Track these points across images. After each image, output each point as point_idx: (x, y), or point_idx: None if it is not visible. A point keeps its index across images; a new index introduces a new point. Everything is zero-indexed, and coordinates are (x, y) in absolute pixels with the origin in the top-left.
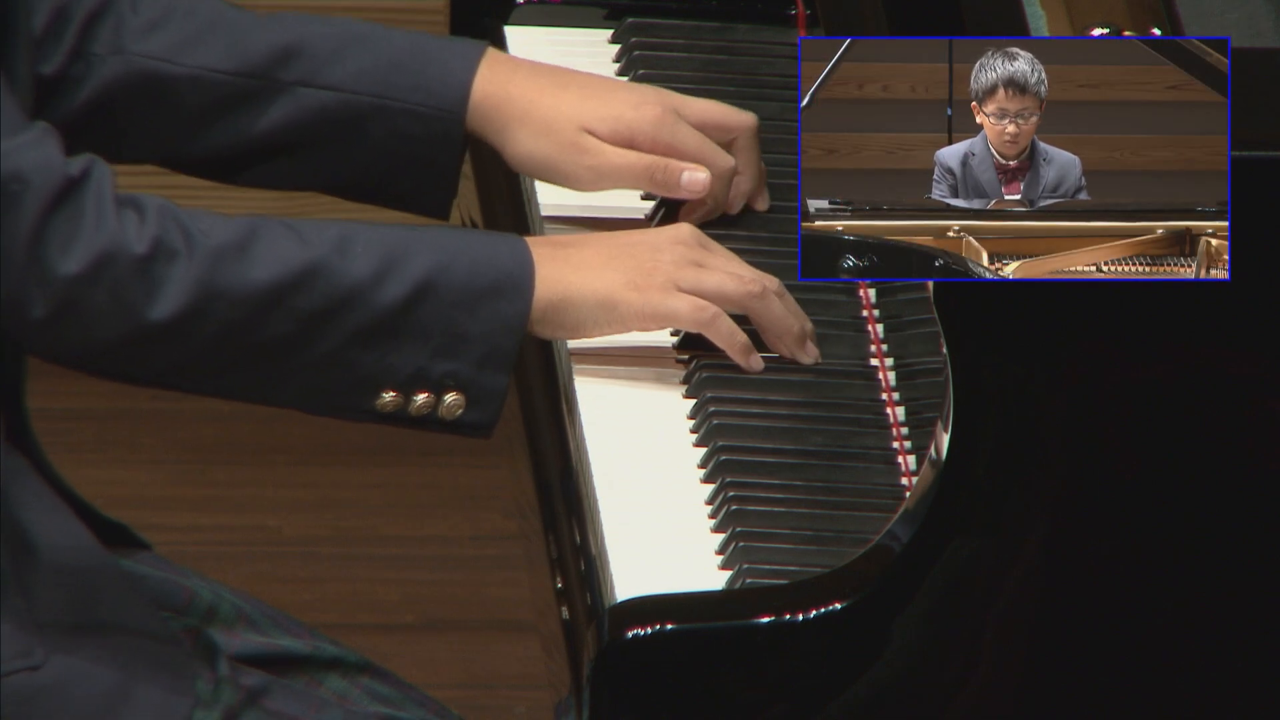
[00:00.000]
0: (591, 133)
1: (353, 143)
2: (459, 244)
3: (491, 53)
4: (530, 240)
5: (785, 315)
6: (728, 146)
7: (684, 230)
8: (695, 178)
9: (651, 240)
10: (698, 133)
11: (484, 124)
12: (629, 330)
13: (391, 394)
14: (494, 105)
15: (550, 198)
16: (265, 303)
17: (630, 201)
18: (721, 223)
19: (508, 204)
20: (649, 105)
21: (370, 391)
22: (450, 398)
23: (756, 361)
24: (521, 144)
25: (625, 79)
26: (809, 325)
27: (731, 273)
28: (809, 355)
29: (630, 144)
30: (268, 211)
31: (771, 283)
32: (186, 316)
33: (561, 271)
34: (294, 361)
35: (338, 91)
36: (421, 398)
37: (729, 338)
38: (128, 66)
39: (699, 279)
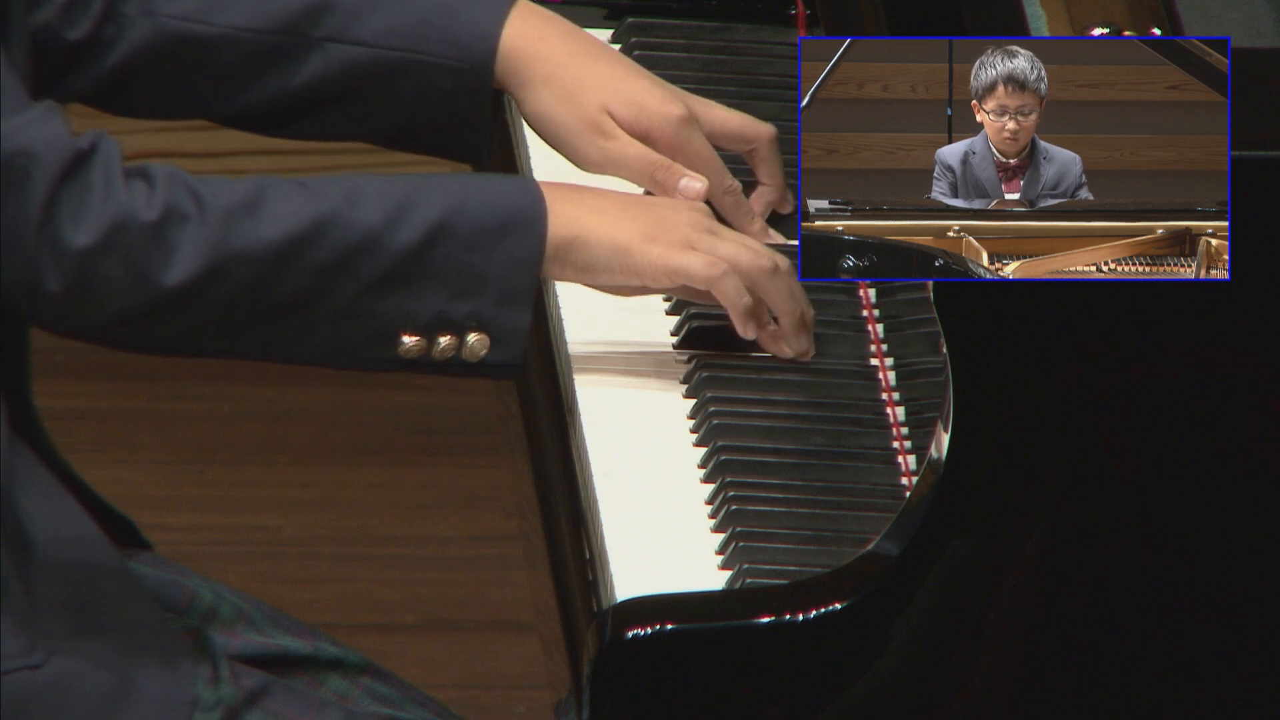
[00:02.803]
0: (612, 114)
1: (385, 97)
2: (470, 187)
3: (522, 4)
4: (544, 182)
5: (793, 295)
6: (747, 156)
7: (699, 205)
8: (692, 186)
9: (669, 201)
10: (710, 148)
11: (508, 76)
12: (640, 280)
13: (414, 339)
14: (521, 59)
15: None
16: (279, 258)
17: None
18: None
19: None
20: (673, 104)
21: (391, 339)
22: (473, 338)
23: (752, 330)
24: (541, 103)
25: None
26: (811, 313)
27: (745, 244)
28: (805, 345)
29: (646, 137)
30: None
31: (784, 262)
32: (202, 279)
33: (577, 211)
34: (313, 315)
35: (368, 47)
36: (445, 340)
37: (735, 297)
38: (158, 28)
39: (714, 244)
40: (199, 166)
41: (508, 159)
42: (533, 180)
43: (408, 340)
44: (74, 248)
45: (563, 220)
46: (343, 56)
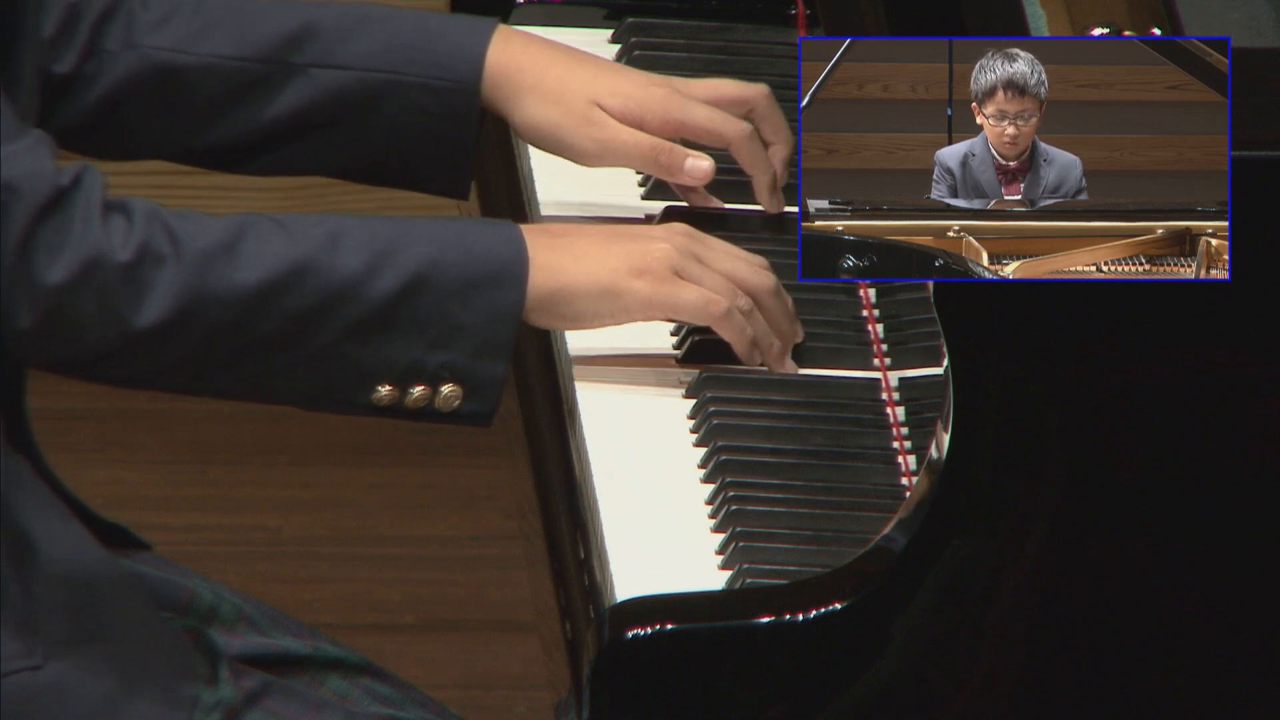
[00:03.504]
0: (602, 107)
1: (368, 122)
2: (451, 234)
3: (503, 27)
4: (524, 228)
5: (782, 318)
6: (750, 118)
7: (680, 225)
8: (698, 165)
9: (649, 231)
10: (707, 109)
11: (495, 93)
12: (633, 320)
13: (387, 388)
14: (506, 75)
15: (549, 195)
16: (255, 303)
17: (631, 201)
18: (721, 221)
19: (506, 201)
20: (657, 85)
21: (366, 386)
22: (447, 389)
23: (758, 359)
24: (530, 110)
25: None
26: (800, 335)
27: (732, 270)
28: (786, 368)
29: (640, 122)
30: (267, 209)
31: (770, 280)
32: (174, 320)
33: (560, 260)
34: (287, 359)
35: (351, 70)
36: (418, 390)
37: (739, 333)
38: (141, 60)
39: (701, 271)
40: (183, 182)
41: (512, 187)
42: (515, 228)
43: (382, 389)
44: (48, 284)
45: (544, 272)
46: (327, 81)
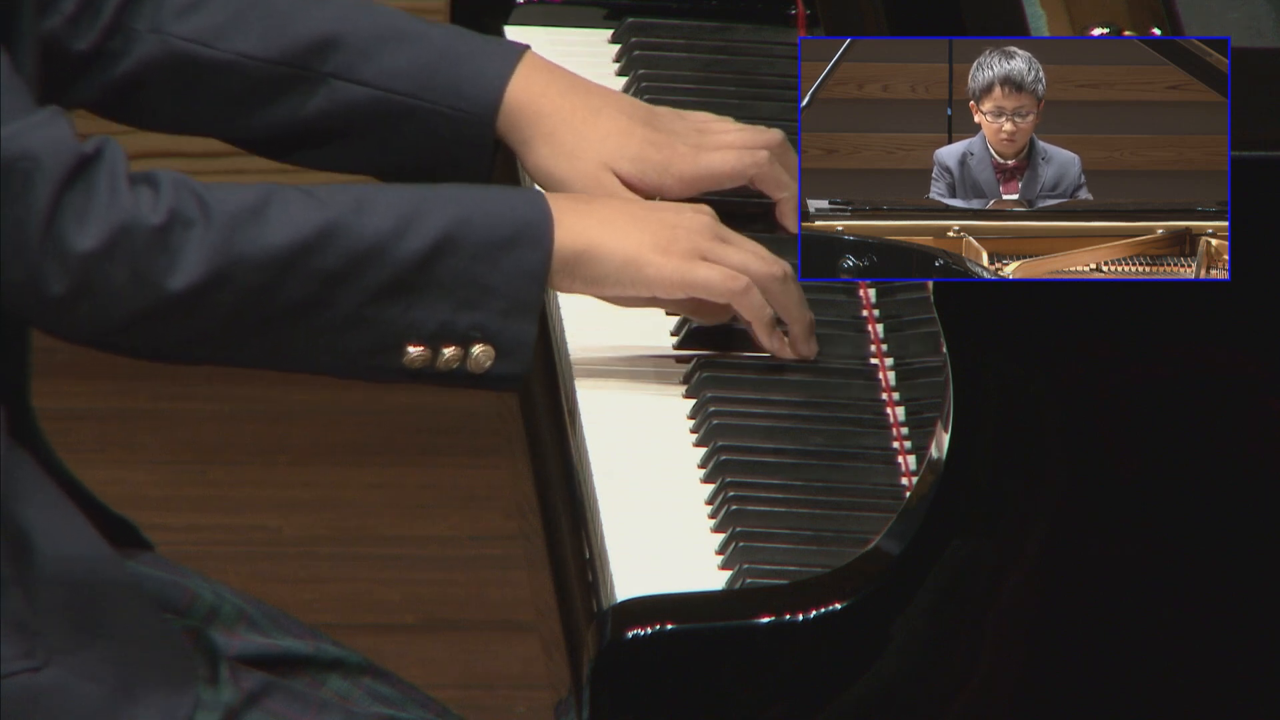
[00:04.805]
0: (615, 172)
1: (385, 139)
2: (478, 198)
3: (530, 57)
4: (550, 195)
5: (801, 302)
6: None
7: (705, 208)
8: None
9: (675, 208)
10: (722, 150)
11: (510, 130)
12: (651, 293)
13: (418, 349)
14: (524, 116)
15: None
16: (285, 264)
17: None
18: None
19: None
20: (673, 150)
21: (396, 349)
22: (478, 350)
23: (777, 341)
24: (542, 160)
25: (625, 79)
26: (813, 318)
27: (754, 251)
28: (813, 349)
29: (658, 190)
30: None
31: (784, 269)
32: (206, 284)
33: (585, 223)
34: (317, 323)
35: (371, 88)
36: (449, 351)
37: (759, 310)
38: (164, 47)
39: (724, 252)
40: (199, 166)
41: (511, 178)
42: (540, 193)
43: (412, 350)
44: (78, 251)
45: (570, 232)
46: (346, 95)
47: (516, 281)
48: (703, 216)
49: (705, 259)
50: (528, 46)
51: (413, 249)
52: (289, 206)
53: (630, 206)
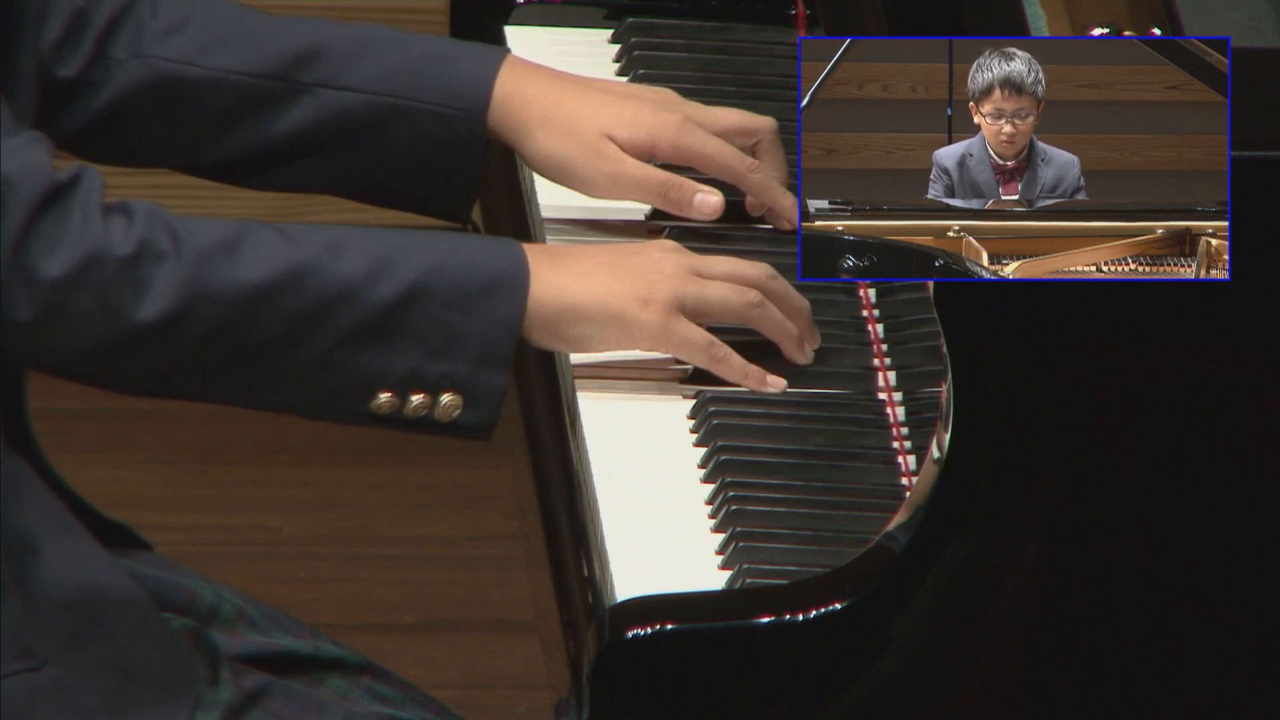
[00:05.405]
0: (612, 138)
1: (373, 145)
2: (452, 246)
3: (511, 57)
4: (526, 246)
5: (783, 321)
6: (751, 151)
7: (669, 242)
8: (708, 200)
9: (646, 251)
10: (717, 140)
11: (503, 124)
12: (635, 347)
13: (386, 395)
14: (515, 106)
15: (550, 199)
16: (254, 303)
17: (631, 203)
18: (721, 220)
19: (507, 205)
20: (669, 112)
21: (365, 394)
22: (446, 399)
23: (777, 383)
24: (541, 144)
25: (625, 79)
26: (807, 308)
27: (730, 280)
28: (805, 358)
29: (651, 151)
30: (267, 217)
31: (765, 272)
32: (173, 318)
33: (563, 277)
34: (285, 364)
35: (358, 93)
36: (417, 399)
37: (741, 372)
38: (147, 70)
39: (702, 293)
40: (183, 185)
41: (513, 190)
42: (516, 243)
43: (381, 396)
44: (46, 278)
45: (549, 287)
46: (334, 102)
47: (489, 331)
48: (674, 256)
49: (685, 306)
50: (508, 49)
51: (385, 294)
52: (262, 245)
53: (604, 254)
